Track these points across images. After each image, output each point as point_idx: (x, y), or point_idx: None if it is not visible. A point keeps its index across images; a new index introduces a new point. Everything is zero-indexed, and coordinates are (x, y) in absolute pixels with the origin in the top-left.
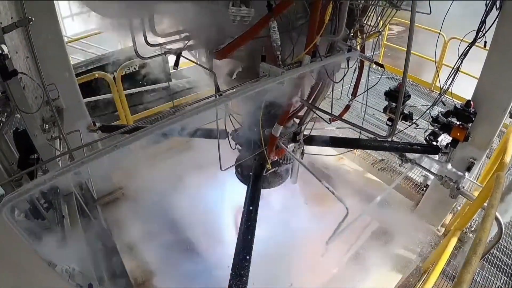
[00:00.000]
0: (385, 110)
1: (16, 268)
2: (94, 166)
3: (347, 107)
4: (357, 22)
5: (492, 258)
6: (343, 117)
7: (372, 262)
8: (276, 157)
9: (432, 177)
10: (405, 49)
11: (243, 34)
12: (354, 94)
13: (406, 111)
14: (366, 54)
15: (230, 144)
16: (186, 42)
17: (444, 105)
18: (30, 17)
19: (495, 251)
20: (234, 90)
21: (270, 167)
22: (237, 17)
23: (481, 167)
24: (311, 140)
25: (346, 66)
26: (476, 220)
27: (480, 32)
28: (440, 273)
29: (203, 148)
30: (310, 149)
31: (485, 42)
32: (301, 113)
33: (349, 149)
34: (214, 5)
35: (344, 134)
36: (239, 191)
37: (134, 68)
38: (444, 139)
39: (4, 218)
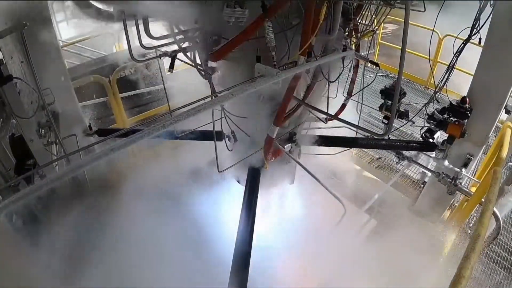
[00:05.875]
0: (381, 108)
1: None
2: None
3: (343, 106)
4: (351, 21)
5: (490, 253)
6: (339, 116)
7: (370, 261)
8: (273, 158)
9: (429, 174)
10: (400, 47)
11: (238, 35)
12: (349, 93)
13: (402, 109)
14: (361, 53)
15: (227, 146)
16: (181, 44)
17: (438, 102)
18: (24, 22)
19: (493, 246)
20: (229, 91)
21: (267, 168)
22: (231, 18)
23: (478, 163)
24: (307, 140)
25: (342, 65)
26: (474, 216)
27: (475, 29)
28: None
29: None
30: (306, 149)
31: (480, 39)
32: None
33: (346, 148)
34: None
35: (340, 133)
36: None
37: (130, 71)
38: (441, 136)
39: (1, 223)
